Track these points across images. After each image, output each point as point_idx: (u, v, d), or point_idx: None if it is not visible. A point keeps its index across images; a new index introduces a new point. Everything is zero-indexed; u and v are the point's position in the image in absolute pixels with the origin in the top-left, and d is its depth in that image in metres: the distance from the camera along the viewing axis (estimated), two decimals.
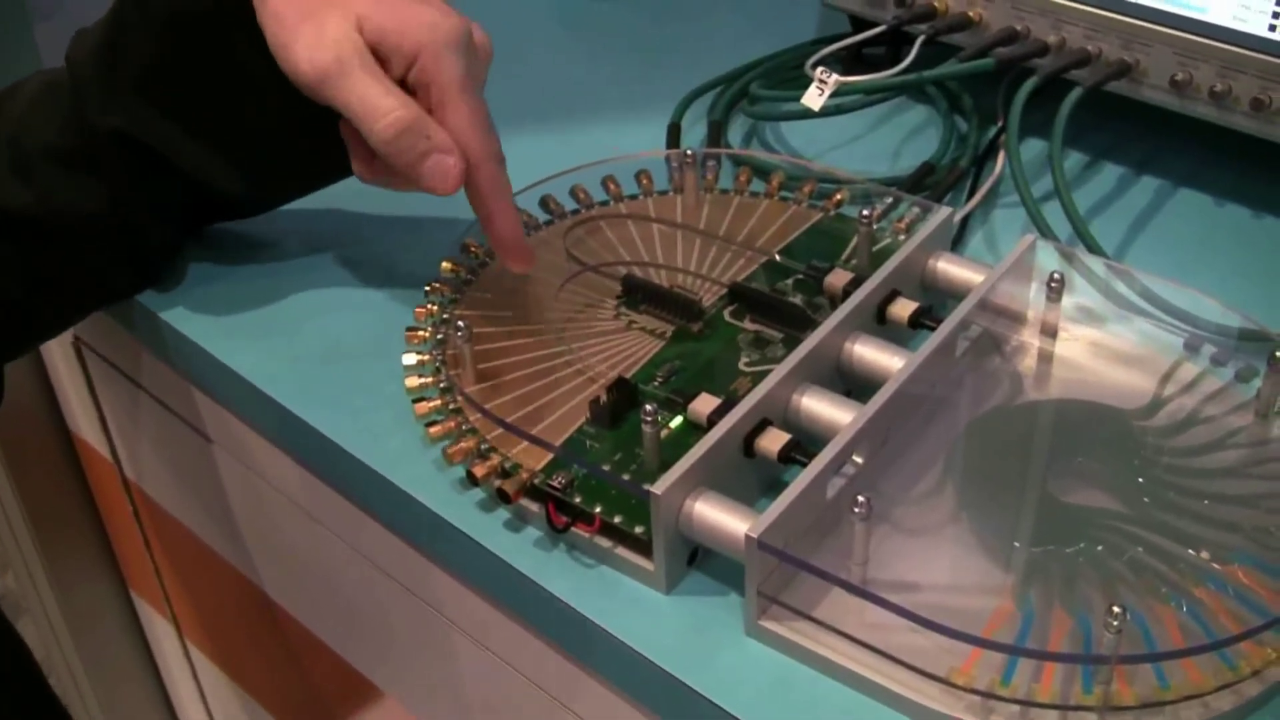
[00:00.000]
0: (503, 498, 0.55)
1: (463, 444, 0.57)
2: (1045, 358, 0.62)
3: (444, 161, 0.58)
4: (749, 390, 0.55)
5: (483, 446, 0.57)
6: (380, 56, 0.58)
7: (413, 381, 0.61)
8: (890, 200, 0.68)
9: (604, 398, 0.57)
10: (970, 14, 0.75)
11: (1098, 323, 0.62)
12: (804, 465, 0.52)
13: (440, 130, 0.58)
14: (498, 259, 0.65)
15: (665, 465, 0.52)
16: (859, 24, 0.80)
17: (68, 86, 0.63)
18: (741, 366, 0.60)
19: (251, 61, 0.60)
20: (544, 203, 0.69)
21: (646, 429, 0.54)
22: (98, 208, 0.64)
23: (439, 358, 0.61)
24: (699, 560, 0.54)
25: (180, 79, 0.63)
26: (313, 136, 0.63)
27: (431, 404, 0.59)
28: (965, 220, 0.71)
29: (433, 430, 0.58)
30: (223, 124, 0.65)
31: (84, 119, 0.63)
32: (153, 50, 0.63)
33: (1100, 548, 0.52)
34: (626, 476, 0.54)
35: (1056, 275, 0.61)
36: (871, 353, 0.59)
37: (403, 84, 0.59)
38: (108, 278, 0.68)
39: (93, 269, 0.66)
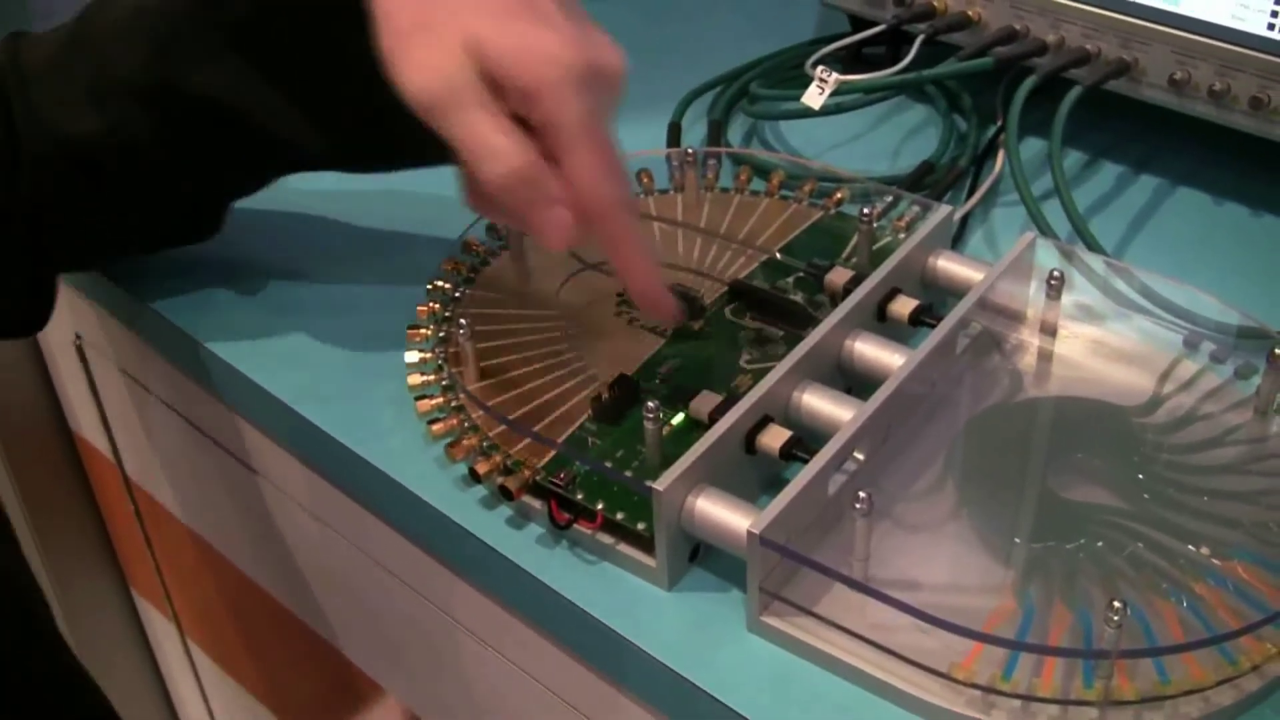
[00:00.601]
0: (505, 495, 0.55)
1: (465, 441, 0.57)
2: (1045, 355, 0.62)
3: (557, 215, 0.52)
4: (750, 387, 0.55)
5: (485, 444, 0.57)
6: (495, 85, 0.52)
7: (415, 379, 0.61)
8: (890, 199, 0.68)
9: (606, 395, 0.57)
10: (969, 13, 0.75)
11: (1097, 320, 0.62)
12: (805, 462, 0.52)
13: (556, 180, 0.52)
14: (500, 260, 0.66)
15: (667, 462, 0.52)
16: (858, 23, 0.81)
17: (159, 24, 0.61)
18: (742, 364, 0.60)
19: (358, 49, 0.54)
20: None
21: (648, 426, 0.54)
22: (167, 149, 0.62)
23: (441, 355, 0.61)
24: (700, 556, 0.55)
25: (282, 46, 0.60)
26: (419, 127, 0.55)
27: (434, 402, 0.60)
28: (965, 219, 0.71)
29: (435, 428, 0.59)
30: (319, 94, 0.61)
31: (172, 66, 0.60)
32: (250, 11, 0.59)
33: (1100, 543, 0.52)
34: (628, 473, 0.54)
35: (1056, 273, 0.61)
36: (872, 350, 0.59)
37: (518, 119, 0.53)
38: (169, 217, 0.67)
39: (155, 206, 0.65)
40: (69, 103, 0.62)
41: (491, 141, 0.52)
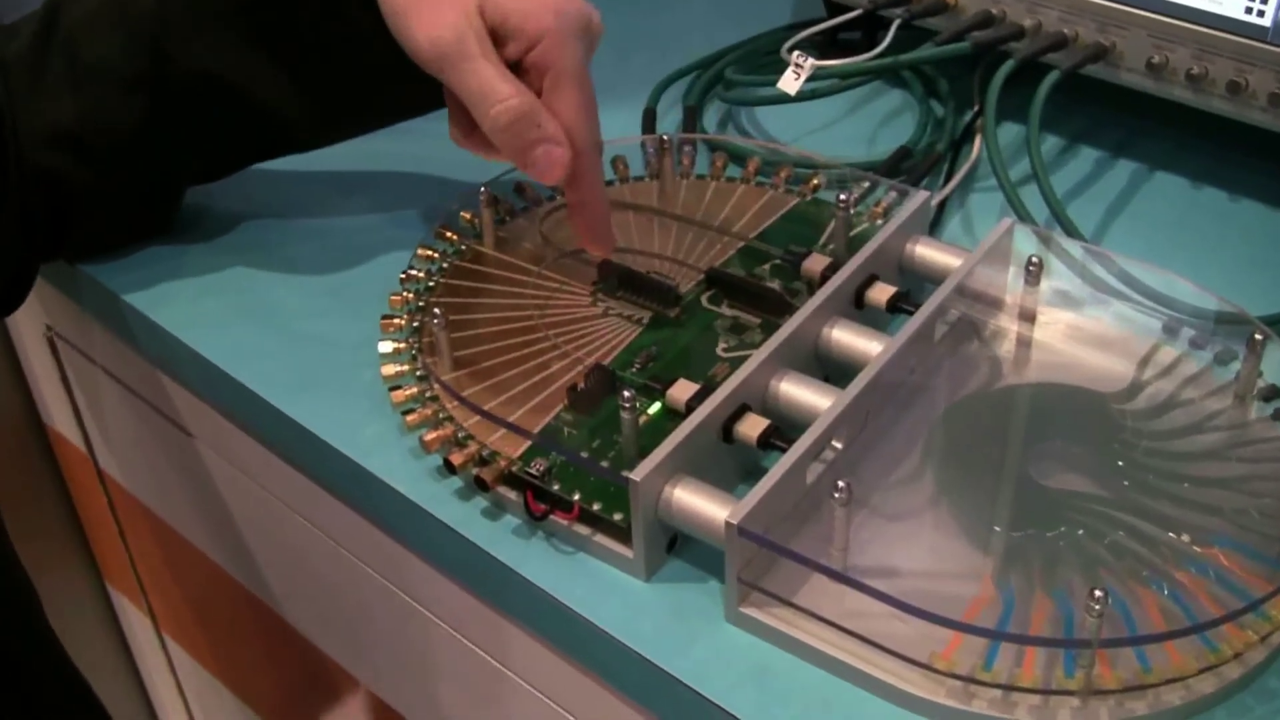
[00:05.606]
0: (480, 485, 0.55)
1: (440, 432, 0.57)
2: (1024, 341, 0.61)
3: (552, 152, 0.58)
4: (727, 376, 0.55)
5: (460, 434, 0.56)
6: (500, 37, 0.59)
7: (389, 369, 0.60)
8: (867, 185, 0.68)
9: (582, 384, 0.57)
10: None
11: (1076, 306, 0.62)
12: (783, 451, 0.52)
13: (552, 120, 0.58)
14: (474, 249, 0.65)
15: (644, 452, 0.51)
16: (834, 8, 0.80)
17: (149, 12, 0.63)
18: (719, 352, 0.59)
19: (353, 10, 0.62)
20: (519, 189, 0.69)
21: (624, 415, 0.54)
22: (140, 131, 0.65)
23: (415, 345, 0.61)
24: (678, 547, 0.54)
25: (275, 15, 0.64)
26: (399, 80, 0.63)
27: (408, 392, 0.59)
28: (943, 204, 0.71)
29: (410, 418, 0.58)
30: (309, 61, 0.65)
31: (163, 50, 0.63)
32: None
33: (1081, 531, 0.52)
34: (605, 463, 0.54)
35: (1034, 259, 0.61)
36: (849, 337, 0.59)
37: (519, 63, 0.60)
38: (132, 203, 0.69)
39: (120, 193, 0.67)
40: (45, 91, 0.64)
41: (495, 86, 0.58)
